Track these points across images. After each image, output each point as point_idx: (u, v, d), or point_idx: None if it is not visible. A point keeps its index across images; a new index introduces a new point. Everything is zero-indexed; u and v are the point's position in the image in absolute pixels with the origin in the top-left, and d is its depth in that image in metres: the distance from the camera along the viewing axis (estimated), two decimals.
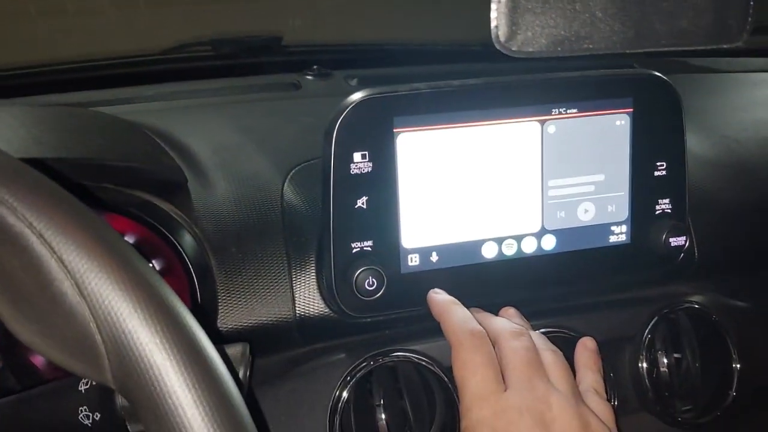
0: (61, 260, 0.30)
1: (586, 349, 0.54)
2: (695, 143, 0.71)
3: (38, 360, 0.57)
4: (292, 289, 0.56)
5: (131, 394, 0.30)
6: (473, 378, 0.47)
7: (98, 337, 0.30)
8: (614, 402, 0.59)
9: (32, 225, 0.30)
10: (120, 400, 0.41)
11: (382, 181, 0.53)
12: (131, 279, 0.30)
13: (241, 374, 0.43)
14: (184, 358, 0.30)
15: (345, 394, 0.53)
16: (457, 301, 0.52)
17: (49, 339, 0.31)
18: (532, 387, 0.46)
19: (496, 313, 0.55)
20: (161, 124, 0.66)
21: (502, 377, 0.47)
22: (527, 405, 0.45)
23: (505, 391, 0.46)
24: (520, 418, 0.45)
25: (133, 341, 0.30)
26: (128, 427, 0.41)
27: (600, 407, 0.49)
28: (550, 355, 0.49)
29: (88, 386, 0.41)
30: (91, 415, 0.41)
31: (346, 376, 0.53)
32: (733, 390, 0.60)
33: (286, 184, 0.60)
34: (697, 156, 0.70)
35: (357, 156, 0.52)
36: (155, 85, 0.82)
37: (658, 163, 0.60)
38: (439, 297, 0.53)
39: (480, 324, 0.50)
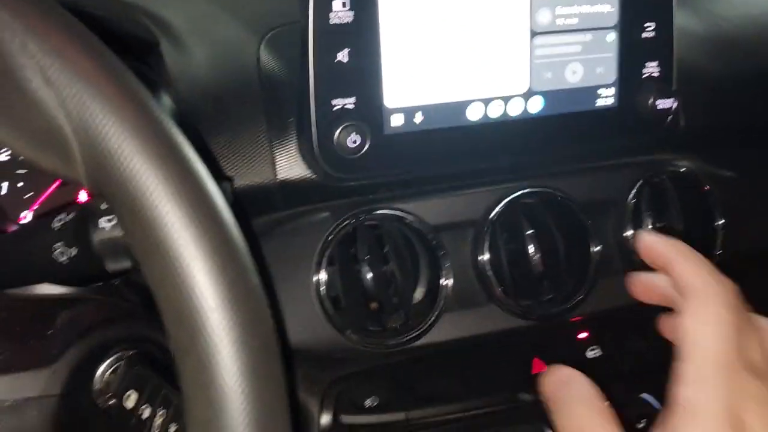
0: (24, 44, 0.28)
1: None
2: (682, 19, 0.69)
3: (13, 228, 0.56)
4: (272, 151, 0.54)
5: (104, 189, 0.29)
6: (712, 338, 0.35)
7: (68, 128, 0.28)
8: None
9: None
10: (96, 236, 0.39)
11: (364, 32, 0.51)
12: (102, 68, 0.29)
13: None
14: (160, 151, 0.29)
15: (329, 251, 0.52)
16: (684, 244, 0.41)
17: (15, 131, 0.29)
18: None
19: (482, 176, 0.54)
20: None
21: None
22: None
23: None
24: (761, 409, 0.34)
25: (106, 132, 0.28)
26: (105, 263, 0.39)
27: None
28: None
29: (61, 223, 0.40)
30: (66, 251, 0.39)
31: (329, 234, 0.52)
32: (717, 249, 0.60)
33: (262, 47, 0.58)
34: (684, 30, 0.68)
35: (337, 4, 0.50)
36: None
37: (647, 25, 0.58)
38: (657, 241, 0.42)
39: None
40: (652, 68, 0.59)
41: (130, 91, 0.29)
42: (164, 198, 0.28)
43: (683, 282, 0.38)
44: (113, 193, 0.29)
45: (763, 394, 0.34)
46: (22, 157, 0.55)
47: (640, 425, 0.63)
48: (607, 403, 0.37)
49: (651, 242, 0.42)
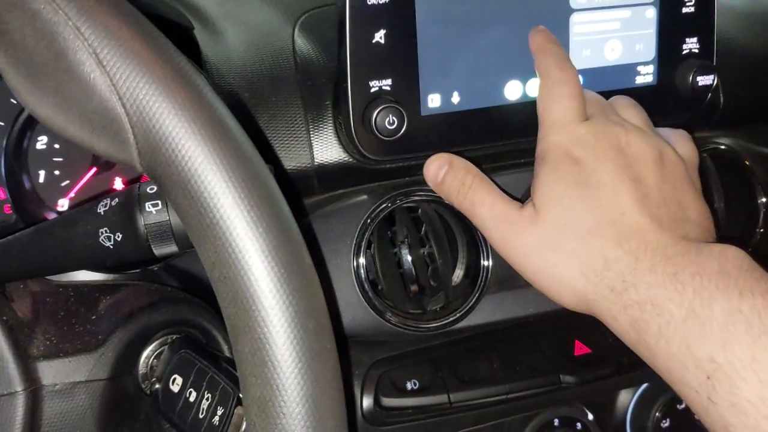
0: (77, 28, 0.28)
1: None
2: None
3: (52, 217, 0.56)
4: (309, 134, 0.54)
5: (159, 171, 0.29)
6: (555, 106, 0.47)
7: (121, 110, 0.28)
8: None
9: None
10: (142, 220, 0.39)
11: (400, 13, 0.50)
12: (154, 51, 0.28)
13: None
14: (215, 133, 0.29)
15: (367, 234, 0.52)
16: (556, 40, 0.51)
17: (67, 113, 0.29)
18: (609, 119, 0.47)
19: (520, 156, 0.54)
20: None
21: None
22: (603, 130, 0.45)
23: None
24: (595, 142, 0.45)
25: (161, 114, 0.28)
26: (152, 247, 0.40)
27: (684, 149, 0.50)
28: (624, 99, 0.51)
29: (107, 208, 0.40)
30: (112, 236, 0.39)
31: (367, 218, 0.52)
32: (760, 227, 0.59)
33: (296, 30, 0.57)
34: (724, 5, 0.67)
35: None
36: None
37: (686, 0, 0.57)
38: (540, 34, 0.51)
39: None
40: (692, 44, 0.58)
41: (183, 73, 0.28)
42: (219, 180, 0.28)
43: (537, 68, 0.50)
44: (168, 175, 0.28)
45: (592, 139, 0.45)
46: (58, 145, 0.56)
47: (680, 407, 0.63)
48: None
49: (532, 33, 0.52)
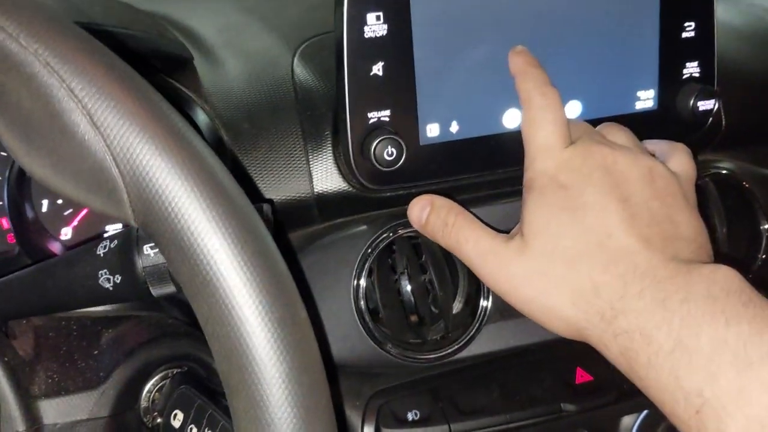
0: (70, 89, 0.28)
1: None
2: (722, 11, 0.67)
3: (55, 246, 0.57)
4: (309, 164, 0.54)
5: (153, 228, 0.29)
6: (539, 132, 0.46)
7: (115, 170, 0.28)
8: None
9: (37, 52, 0.28)
10: (140, 262, 0.39)
11: (398, 44, 0.50)
12: (147, 109, 0.29)
13: None
14: (207, 189, 0.29)
15: (368, 265, 0.52)
16: (537, 63, 0.50)
17: (62, 174, 0.29)
18: (594, 141, 0.46)
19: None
20: (159, 8, 0.63)
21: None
22: (589, 151, 0.45)
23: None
24: (581, 164, 0.44)
25: (153, 173, 0.28)
26: (150, 289, 0.40)
27: (680, 163, 0.49)
28: (612, 125, 0.51)
29: (106, 250, 0.40)
30: (111, 278, 0.40)
31: (368, 247, 0.52)
32: (762, 253, 0.59)
33: (295, 59, 0.57)
34: (724, 25, 0.66)
35: (371, 17, 0.49)
36: None
37: (687, 24, 0.57)
38: (520, 57, 0.50)
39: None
40: (692, 69, 0.58)
41: (177, 131, 0.29)
42: (211, 237, 0.28)
43: (519, 94, 0.49)
44: (161, 232, 0.29)
45: (578, 161, 0.45)
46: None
47: None
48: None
49: (510, 56, 0.51)
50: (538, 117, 0.47)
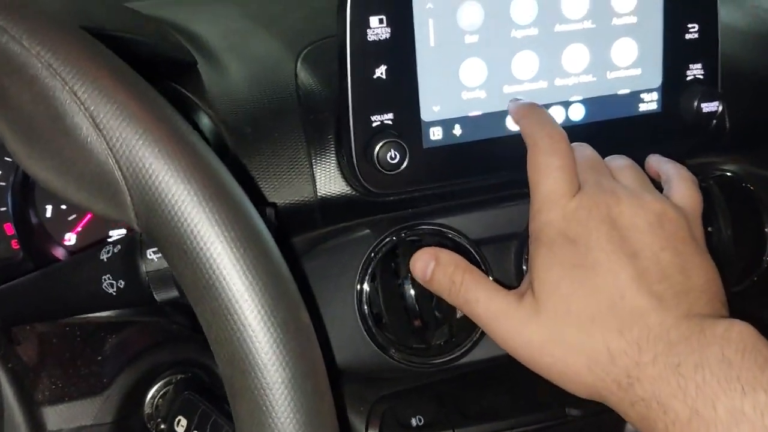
0: (73, 92, 0.28)
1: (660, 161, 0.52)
2: (725, 14, 0.67)
3: (59, 251, 0.57)
4: (312, 168, 0.54)
5: (155, 231, 0.29)
6: (545, 180, 0.45)
7: (118, 173, 0.28)
8: None
9: (40, 54, 0.28)
10: (144, 267, 0.39)
11: (401, 47, 0.50)
12: (149, 112, 0.29)
13: None
14: (210, 193, 0.29)
15: (371, 269, 0.52)
16: (538, 104, 0.50)
17: (65, 177, 0.29)
18: (600, 185, 0.45)
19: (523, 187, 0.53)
20: (164, 13, 0.63)
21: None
22: (595, 202, 0.44)
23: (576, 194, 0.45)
24: (588, 217, 0.43)
25: (156, 176, 0.28)
26: (154, 294, 0.40)
27: (685, 196, 0.47)
28: (619, 159, 0.49)
29: (110, 255, 0.40)
30: (115, 283, 0.40)
31: (371, 251, 0.52)
32: (767, 255, 0.59)
33: (299, 63, 0.57)
34: (728, 26, 0.66)
35: (374, 21, 0.49)
36: None
37: (690, 26, 0.57)
38: (518, 103, 0.50)
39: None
40: (696, 70, 0.57)
41: (180, 135, 0.29)
42: (214, 241, 0.28)
43: (524, 138, 0.48)
44: (164, 236, 0.29)
45: (584, 214, 0.43)
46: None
47: None
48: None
49: (509, 108, 0.51)
50: (545, 162, 0.45)
